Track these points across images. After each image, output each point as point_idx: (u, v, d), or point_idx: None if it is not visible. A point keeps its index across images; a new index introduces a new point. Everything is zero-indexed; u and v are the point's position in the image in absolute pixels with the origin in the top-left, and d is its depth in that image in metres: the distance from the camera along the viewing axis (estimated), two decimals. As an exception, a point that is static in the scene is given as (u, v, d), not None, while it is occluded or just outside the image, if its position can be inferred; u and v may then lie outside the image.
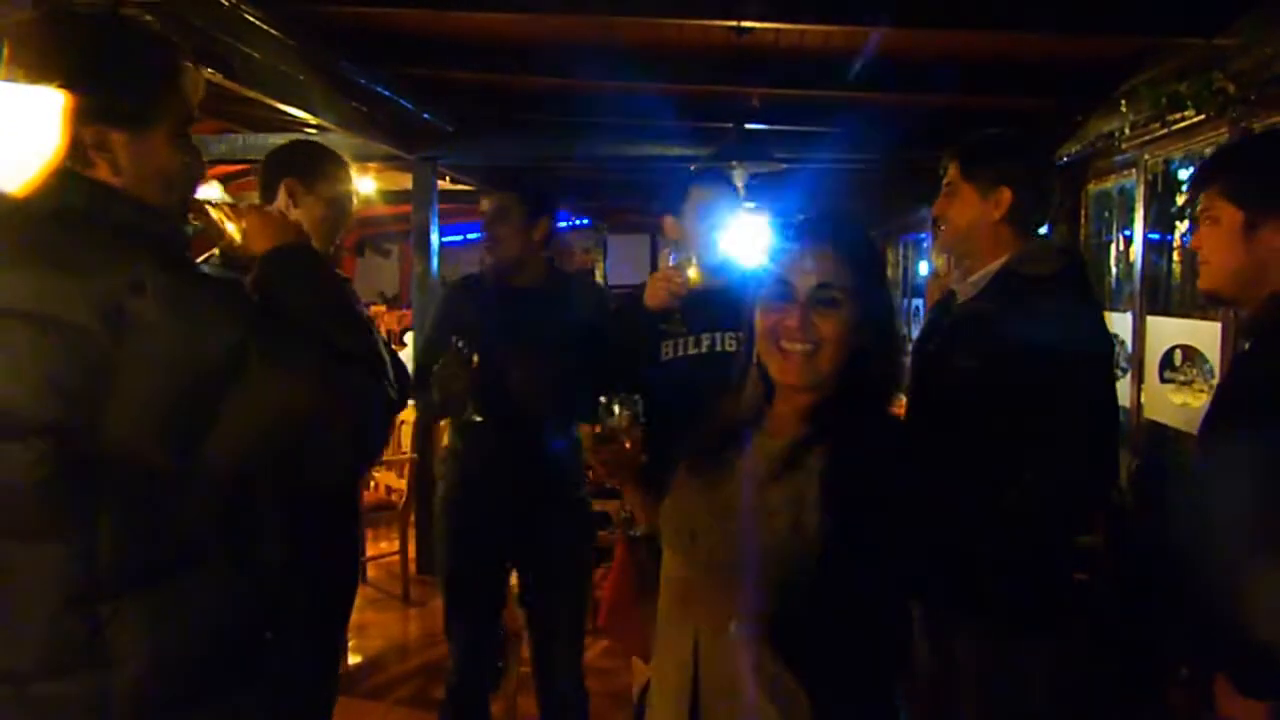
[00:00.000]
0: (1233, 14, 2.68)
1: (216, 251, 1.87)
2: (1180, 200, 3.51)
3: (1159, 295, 3.72)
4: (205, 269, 1.69)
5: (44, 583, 1.03)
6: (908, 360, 1.89)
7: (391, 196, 6.27)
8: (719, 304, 2.02)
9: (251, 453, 1.09)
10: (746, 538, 1.14)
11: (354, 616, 2.40)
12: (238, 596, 1.15)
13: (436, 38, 3.44)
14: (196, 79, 1.19)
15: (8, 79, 1.04)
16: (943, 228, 1.91)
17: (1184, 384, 3.44)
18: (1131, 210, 3.78)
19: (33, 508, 1.02)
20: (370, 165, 5.32)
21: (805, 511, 1.11)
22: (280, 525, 1.23)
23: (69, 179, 1.07)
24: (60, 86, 1.05)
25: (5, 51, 1.06)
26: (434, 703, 3.17)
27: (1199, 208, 1.52)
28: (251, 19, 2.77)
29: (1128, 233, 3.96)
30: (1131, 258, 3.83)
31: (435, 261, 4.89)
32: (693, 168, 3.55)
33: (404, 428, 4.64)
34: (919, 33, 3.11)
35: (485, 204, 2.45)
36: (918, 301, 7.73)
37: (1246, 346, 1.56)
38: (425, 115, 4.17)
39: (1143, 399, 3.57)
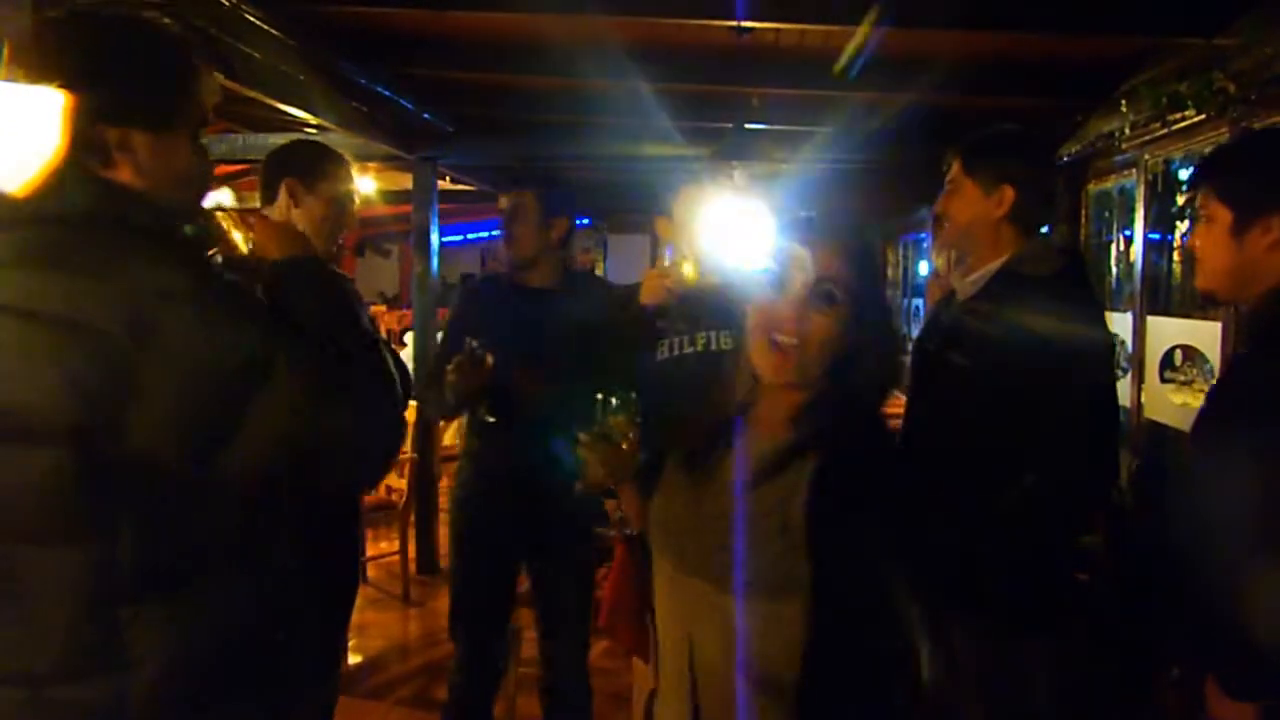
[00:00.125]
0: (1233, 14, 2.68)
1: (219, 257, 1.86)
2: (1180, 200, 3.52)
3: (1159, 295, 3.72)
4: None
5: (62, 587, 1.02)
6: (907, 360, 1.89)
7: (391, 196, 6.28)
8: (716, 303, 2.01)
9: (272, 461, 1.09)
10: (734, 542, 1.13)
11: (354, 616, 2.40)
12: (252, 600, 1.15)
13: (436, 38, 3.44)
14: (213, 81, 1.20)
15: (32, 81, 1.04)
16: (944, 225, 1.90)
17: (1184, 384, 3.44)
18: (1132, 210, 3.78)
19: (52, 512, 1.02)
20: (370, 165, 5.32)
21: (793, 515, 1.10)
22: (293, 530, 1.24)
23: (90, 181, 1.07)
24: (86, 87, 1.05)
25: (30, 52, 1.07)
26: (434, 703, 3.17)
27: (1197, 206, 1.52)
28: (251, 19, 2.77)
29: (1128, 233, 3.96)
30: (1132, 258, 3.83)
31: (435, 261, 4.89)
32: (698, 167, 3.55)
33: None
34: (919, 33, 3.11)
35: (504, 201, 2.44)
36: (918, 301, 7.74)
37: (1243, 347, 1.56)
38: (425, 115, 4.18)
39: (1143, 399, 3.57)
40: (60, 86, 1.04)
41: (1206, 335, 3.14)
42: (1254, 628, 1.25)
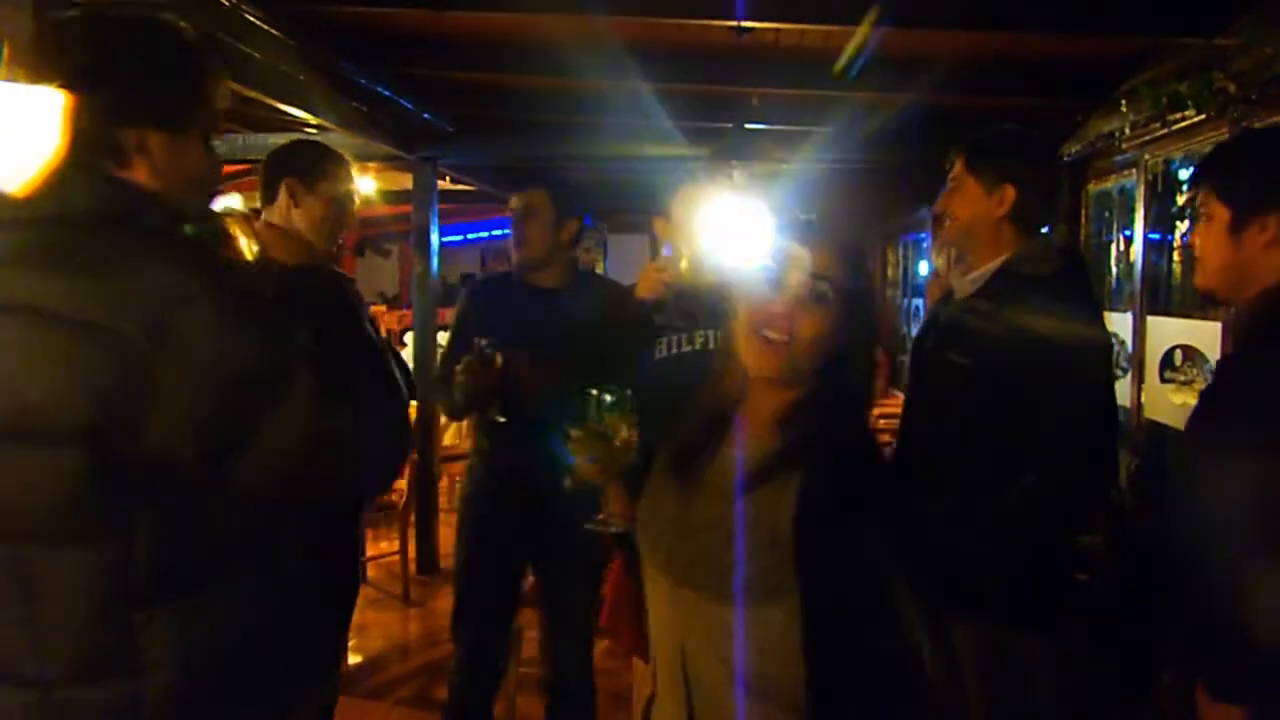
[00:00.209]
0: (1233, 14, 2.68)
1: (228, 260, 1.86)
2: (1180, 200, 3.52)
3: (1159, 295, 3.72)
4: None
5: (76, 589, 1.02)
6: (906, 359, 1.89)
7: (391, 196, 6.28)
8: (713, 301, 2.01)
9: (287, 467, 1.09)
10: (723, 552, 1.12)
11: (354, 616, 2.40)
12: (264, 602, 1.15)
13: (436, 38, 3.44)
14: (225, 83, 1.20)
15: (45, 81, 1.04)
16: (945, 223, 1.90)
17: (1184, 384, 3.44)
18: (1132, 210, 3.78)
19: (67, 513, 1.01)
20: (370, 165, 5.32)
21: (781, 528, 1.09)
22: (301, 533, 1.24)
23: (104, 181, 1.07)
24: (105, 88, 1.05)
25: (47, 53, 1.07)
26: (434, 703, 3.17)
27: (1197, 205, 1.52)
28: (251, 19, 2.77)
29: (1128, 233, 3.96)
30: (1132, 258, 3.83)
31: (435, 261, 4.89)
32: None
33: (404, 428, 4.63)
34: (919, 33, 3.11)
35: (515, 201, 2.43)
36: (918, 301, 7.73)
37: (1237, 346, 1.56)
38: (425, 115, 4.18)
39: (1143, 399, 3.57)
40: (79, 87, 1.04)
41: (1206, 335, 3.14)
42: (1247, 627, 1.25)
